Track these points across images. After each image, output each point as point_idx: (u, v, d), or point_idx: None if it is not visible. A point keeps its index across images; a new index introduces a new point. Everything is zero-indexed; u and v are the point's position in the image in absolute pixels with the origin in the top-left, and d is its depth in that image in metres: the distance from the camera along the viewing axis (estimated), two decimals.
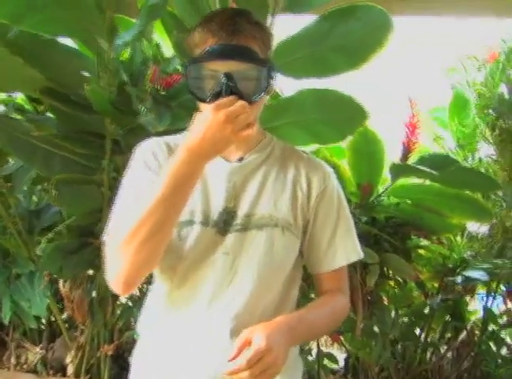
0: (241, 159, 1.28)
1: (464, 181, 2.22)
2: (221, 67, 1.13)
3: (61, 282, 2.22)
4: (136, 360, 1.33)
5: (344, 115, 2.06)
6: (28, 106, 2.32)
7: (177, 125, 1.99)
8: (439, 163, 2.19)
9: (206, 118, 1.05)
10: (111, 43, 1.73)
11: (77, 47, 2.03)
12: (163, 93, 1.99)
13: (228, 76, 1.11)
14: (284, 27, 2.01)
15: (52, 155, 1.90)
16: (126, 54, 2.14)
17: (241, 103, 1.05)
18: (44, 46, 1.76)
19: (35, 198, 2.55)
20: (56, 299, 2.44)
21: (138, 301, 1.35)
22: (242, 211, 1.24)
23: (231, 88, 1.10)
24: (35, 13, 1.54)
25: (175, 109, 1.93)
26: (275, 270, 1.26)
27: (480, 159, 2.66)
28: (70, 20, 1.63)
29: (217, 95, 1.11)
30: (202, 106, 1.18)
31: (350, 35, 1.92)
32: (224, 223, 1.23)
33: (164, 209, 1.10)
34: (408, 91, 2.46)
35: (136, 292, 2.36)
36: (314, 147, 2.32)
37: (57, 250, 2.04)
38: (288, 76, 1.99)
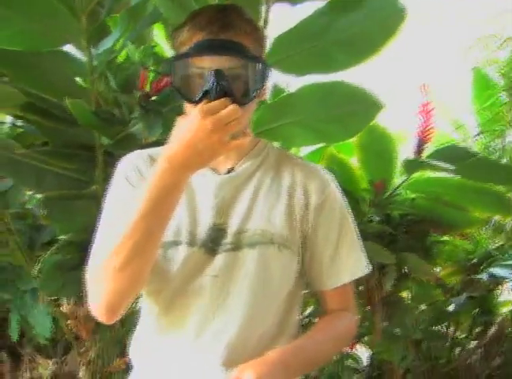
0: (231, 170, 1.15)
1: (484, 173, 2.05)
2: (210, 64, 1.01)
3: (64, 299, 2.15)
4: None
5: (355, 109, 1.88)
6: None
7: (169, 133, 1.88)
8: (457, 156, 2.03)
9: (191, 123, 0.93)
10: (91, 51, 1.62)
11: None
12: (154, 99, 1.87)
13: (218, 73, 0.99)
14: (281, 18, 1.85)
15: (43, 172, 1.80)
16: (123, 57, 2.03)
17: (233, 107, 0.92)
18: (26, 59, 1.65)
19: None
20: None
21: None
22: (232, 228, 1.11)
23: (221, 87, 0.98)
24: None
25: (168, 115, 1.81)
26: (271, 293, 1.14)
27: (504, 146, 2.47)
28: (44, 30, 1.52)
29: (206, 95, 0.99)
30: (189, 107, 1.05)
31: (355, 27, 1.72)
32: (213, 242, 1.11)
33: (146, 225, 0.99)
34: (422, 77, 2.30)
35: None
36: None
37: (56, 268, 1.96)
38: (288, 73, 1.82)
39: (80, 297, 2.19)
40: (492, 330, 2.82)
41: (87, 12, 1.49)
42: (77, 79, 1.92)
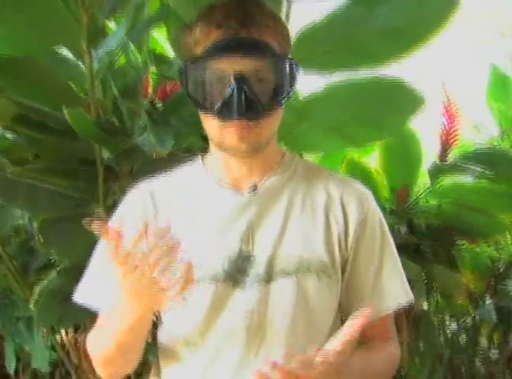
0: (255, 188, 1.00)
1: None
2: (230, 66, 0.89)
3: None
4: None
5: (392, 108, 1.65)
6: None
7: (179, 144, 1.69)
8: (487, 159, 1.88)
9: None
10: (91, 53, 1.43)
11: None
12: (159, 106, 1.68)
13: (240, 77, 0.88)
14: (302, 17, 1.64)
15: (35, 191, 1.60)
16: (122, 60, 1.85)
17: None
18: (18, 65, 1.45)
19: None
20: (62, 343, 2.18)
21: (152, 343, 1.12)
22: (261, 255, 0.97)
23: (244, 93, 0.87)
24: None
25: (176, 125, 1.62)
26: (314, 328, 0.99)
27: None
28: (39, 32, 1.33)
29: (227, 104, 0.88)
30: (206, 118, 0.95)
31: (398, 15, 1.48)
32: (240, 272, 0.96)
33: (120, 345, 0.96)
34: (441, 76, 2.13)
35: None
36: None
37: (53, 297, 1.75)
38: (313, 72, 1.57)
39: (79, 327, 2.01)
40: None
41: (90, 11, 1.30)
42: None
